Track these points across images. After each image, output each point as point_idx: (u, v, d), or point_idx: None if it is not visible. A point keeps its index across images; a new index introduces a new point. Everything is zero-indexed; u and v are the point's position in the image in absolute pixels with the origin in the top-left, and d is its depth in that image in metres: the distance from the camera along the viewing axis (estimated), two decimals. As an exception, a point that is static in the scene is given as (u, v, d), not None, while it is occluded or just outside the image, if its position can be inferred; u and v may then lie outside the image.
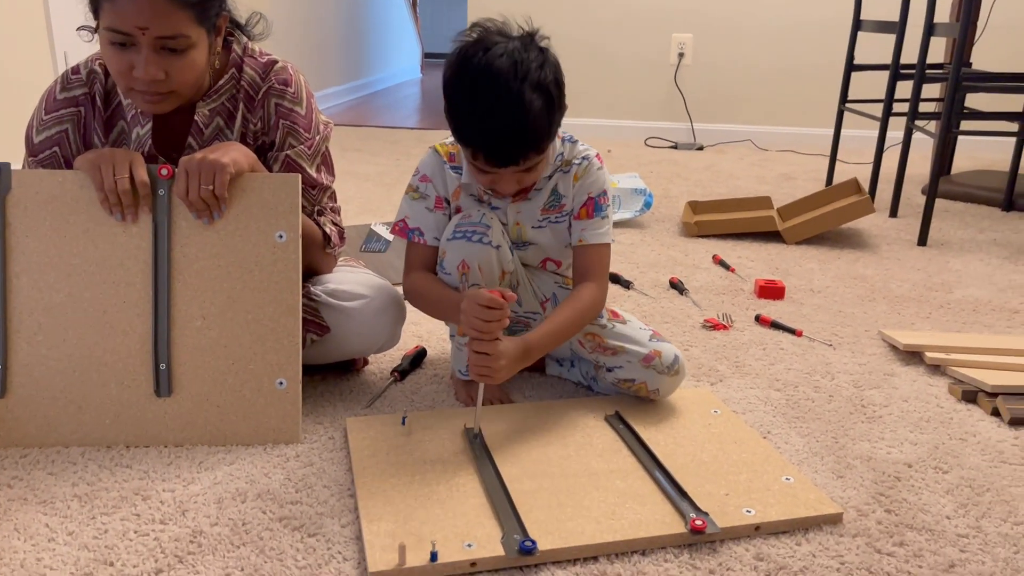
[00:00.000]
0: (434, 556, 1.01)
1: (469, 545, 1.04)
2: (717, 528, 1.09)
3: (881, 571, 1.05)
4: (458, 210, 1.41)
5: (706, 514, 1.11)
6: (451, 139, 1.39)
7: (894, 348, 1.74)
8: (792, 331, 1.82)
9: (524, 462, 1.24)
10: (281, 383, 1.30)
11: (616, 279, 2.12)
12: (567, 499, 1.15)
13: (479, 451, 1.26)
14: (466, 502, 1.13)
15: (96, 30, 1.23)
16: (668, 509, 1.13)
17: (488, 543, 1.05)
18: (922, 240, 2.54)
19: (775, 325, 1.85)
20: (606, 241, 1.41)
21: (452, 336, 1.48)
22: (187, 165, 1.22)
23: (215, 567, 1.02)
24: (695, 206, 2.74)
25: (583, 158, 1.41)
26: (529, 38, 1.28)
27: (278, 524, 1.11)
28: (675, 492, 1.16)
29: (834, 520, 1.14)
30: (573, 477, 1.20)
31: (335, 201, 1.52)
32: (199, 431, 1.30)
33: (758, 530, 1.11)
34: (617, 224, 2.66)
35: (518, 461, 1.24)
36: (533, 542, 1.04)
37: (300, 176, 1.29)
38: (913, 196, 3.15)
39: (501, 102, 1.22)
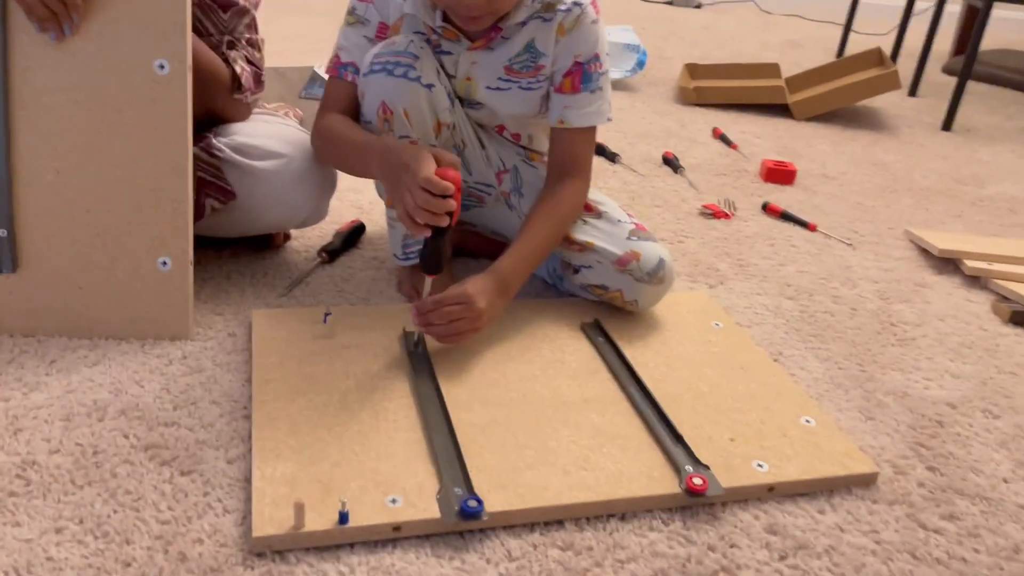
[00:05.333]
0: (344, 517, 0.75)
1: (393, 501, 0.78)
2: (721, 490, 0.83)
3: (928, 557, 0.81)
4: None
5: (707, 468, 0.86)
6: None
7: (925, 252, 1.47)
8: (805, 224, 1.54)
9: (476, 383, 0.97)
10: (164, 263, 0.99)
11: (600, 151, 1.80)
12: (528, 438, 0.88)
13: (419, 365, 0.98)
14: (395, 437, 0.86)
15: None
16: (657, 458, 0.87)
17: (419, 500, 0.78)
18: (947, 124, 2.24)
19: (785, 216, 1.56)
20: (595, 124, 1.09)
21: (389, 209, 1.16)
22: (20, -46, 0.86)
23: (40, 519, 0.75)
24: (693, 70, 2.39)
25: (574, 4, 1.05)
26: None
27: (142, 455, 0.83)
28: (668, 435, 0.90)
29: (867, 481, 0.89)
30: (538, 406, 0.94)
31: (256, 32, 1.16)
32: (56, 318, 1.00)
33: (771, 491, 0.86)
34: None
35: (468, 381, 0.97)
36: (479, 502, 0.78)
37: (189, -17, 0.93)
38: (931, 74, 2.82)
39: None
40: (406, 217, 0.91)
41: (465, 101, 1.11)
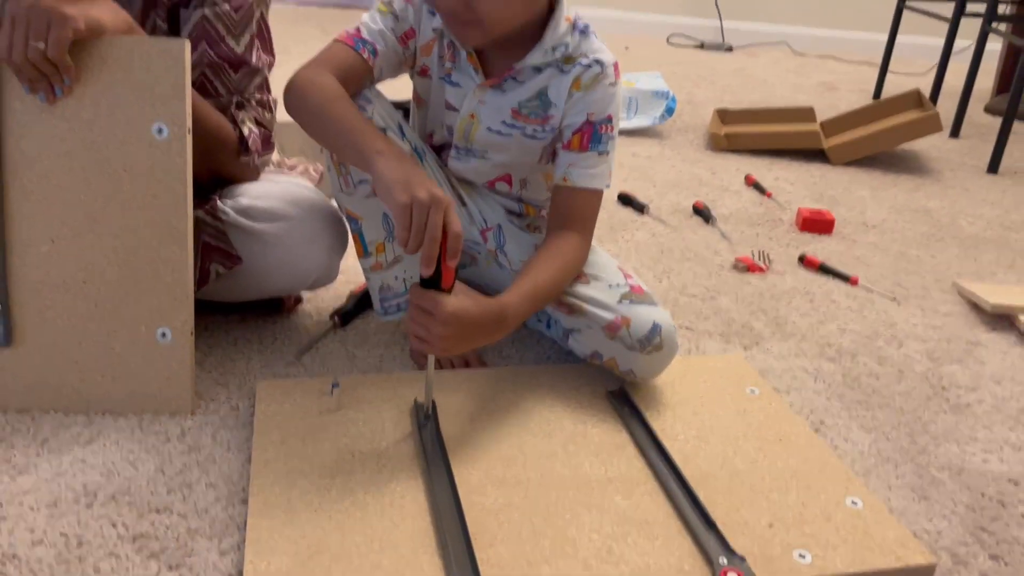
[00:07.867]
0: (339, 622, 0.68)
1: (395, 601, 0.71)
2: (759, 586, 0.75)
3: (998, 665, 0.72)
4: (423, 71, 1.06)
5: (742, 560, 0.78)
6: None
7: (976, 307, 1.38)
8: (846, 278, 1.45)
9: (490, 460, 0.90)
10: (164, 334, 0.95)
11: (628, 201, 1.74)
12: (545, 524, 0.81)
13: (430, 441, 0.92)
14: (401, 525, 0.80)
15: None
16: (688, 548, 0.79)
17: (423, 600, 0.71)
18: (993, 167, 2.15)
19: (824, 269, 1.48)
20: (598, 187, 1.04)
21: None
22: (13, 11, 0.83)
23: (14, 623, 0.69)
24: (724, 115, 2.33)
25: (595, 62, 1.01)
26: None
27: (129, 546, 0.78)
28: (699, 520, 0.82)
29: (924, 574, 0.80)
30: (558, 488, 0.86)
31: (268, 92, 1.13)
32: (50, 394, 0.95)
33: (816, 586, 0.78)
34: (634, 133, 2.26)
35: (482, 458, 0.90)
36: (489, 603, 0.71)
37: (188, 43, 0.90)
38: (973, 114, 2.73)
39: None
40: (413, 247, 0.83)
41: (459, 147, 1.06)
